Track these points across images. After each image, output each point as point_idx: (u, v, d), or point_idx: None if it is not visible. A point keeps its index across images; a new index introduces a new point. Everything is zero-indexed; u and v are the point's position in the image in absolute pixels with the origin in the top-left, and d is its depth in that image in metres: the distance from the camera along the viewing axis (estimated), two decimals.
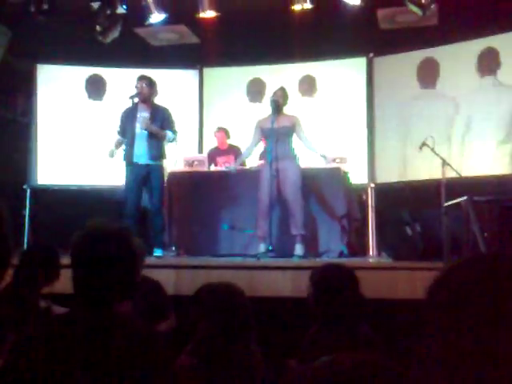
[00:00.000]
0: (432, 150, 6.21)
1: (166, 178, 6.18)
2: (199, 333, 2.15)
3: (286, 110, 5.87)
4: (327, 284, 2.53)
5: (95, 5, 6.71)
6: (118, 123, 6.01)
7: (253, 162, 7.14)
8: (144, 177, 5.76)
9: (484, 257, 0.98)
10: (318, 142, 6.00)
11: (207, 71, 8.38)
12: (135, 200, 5.73)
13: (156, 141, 5.79)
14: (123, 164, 5.87)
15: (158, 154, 5.80)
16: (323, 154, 5.89)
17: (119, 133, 5.94)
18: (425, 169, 7.07)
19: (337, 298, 2.47)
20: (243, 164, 6.78)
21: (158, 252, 5.67)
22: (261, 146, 6.53)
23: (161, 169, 5.92)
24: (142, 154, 5.74)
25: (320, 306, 2.51)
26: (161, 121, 5.82)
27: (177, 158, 6.69)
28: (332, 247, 5.76)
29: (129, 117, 5.83)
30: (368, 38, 7.57)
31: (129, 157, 5.76)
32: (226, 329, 2.10)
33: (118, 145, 5.91)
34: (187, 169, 6.38)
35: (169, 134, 5.84)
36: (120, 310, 1.70)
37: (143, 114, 5.79)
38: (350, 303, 2.47)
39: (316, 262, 5.25)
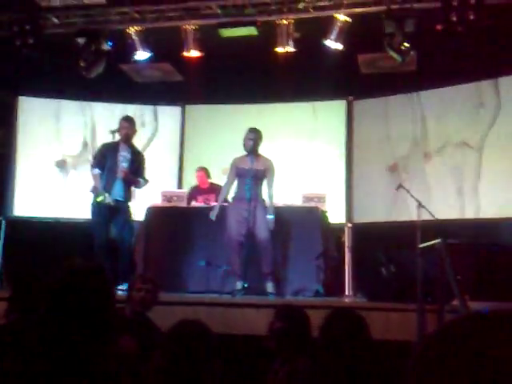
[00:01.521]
0: (408, 191, 6.31)
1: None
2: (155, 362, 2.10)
3: (261, 151, 5.89)
4: (335, 331, 2.49)
5: (80, 40, 6.80)
6: (97, 156, 6.09)
7: None
8: (112, 211, 5.88)
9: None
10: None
11: (189, 108, 8.47)
12: (105, 233, 5.83)
13: (129, 184, 6.02)
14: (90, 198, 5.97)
15: (129, 195, 6.05)
16: (271, 214, 5.72)
17: (95, 166, 6.02)
18: (401, 210, 7.17)
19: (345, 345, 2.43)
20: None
21: (124, 285, 5.65)
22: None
23: (128, 207, 6.08)
24: (118, 192, 5.88)
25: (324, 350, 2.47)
26: (138, 165, 6.05)
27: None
28: (308, 286, 5.76)
29: (110, 154, 5.91)
30: (348, 81, 7.75)
31: (107, 192, 5.85)
32: (179, 363, 2.04)
33: (99, 182, 5.93)
34: (165, 204, 6.38)
35: (141, 181, 6.12)
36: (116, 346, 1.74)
37: (123, 154, 5.96)
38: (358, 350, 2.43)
39: (291, 300, 5.26)
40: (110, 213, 5.87)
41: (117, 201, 5.89)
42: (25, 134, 8.04)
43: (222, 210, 5.84)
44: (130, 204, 6.11)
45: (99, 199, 5.83)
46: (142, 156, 6.28)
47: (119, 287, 5.54)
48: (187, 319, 2.16)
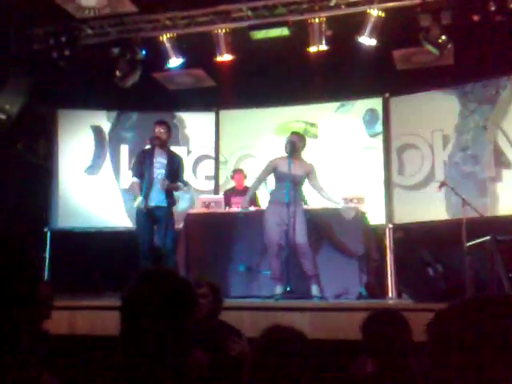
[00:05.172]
0: (452, 189, 6.12)
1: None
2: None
3: (303, 154, 5.77)
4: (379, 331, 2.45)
5: (115, 50, 6.85)
6: (134, 164, 6.07)
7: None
8: (155, 218, 5.81)
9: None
10: (331, 190, 5.90)
11: (223, 113, 8.44)
12: (150, 240, 5.75)
13: (169, 189, 5.92)
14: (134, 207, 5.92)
15: (172, 200, 5.94)
16: (338, 202, 5.72)
17: (134, 174, 5.96)
18: (444, 209, 6.99)
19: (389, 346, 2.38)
20: (256, 203, 6.71)
21: None
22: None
23: (172, 211, 5.99)
24: (157, 198, 5.79)
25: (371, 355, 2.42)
26: (176, 169, 5.94)
27: None
28: (350, 288, 5.63)
29: (146, 161, 5.85)
30: (384, 78, 7.58)
31: (146, 200, 5.79)
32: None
33: (139, 190, 5.83)
34: (204, 210, 6.34)
35: (181, 186, 6.00)
36: None
37: (159, 159, 5.85)
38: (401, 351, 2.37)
39: (334, 303, 5.15)
40: (153, 219, 5.83)
41: (158, 207, 5.83)
42: (65, 146, 8.15)
43: (260, 213, 5.76)
44: (172, 209, 6.00)
45: (136, 205, 5.80)
46: (180, 159, 6.16)
47: None
48: (279, 325, 1.99)
